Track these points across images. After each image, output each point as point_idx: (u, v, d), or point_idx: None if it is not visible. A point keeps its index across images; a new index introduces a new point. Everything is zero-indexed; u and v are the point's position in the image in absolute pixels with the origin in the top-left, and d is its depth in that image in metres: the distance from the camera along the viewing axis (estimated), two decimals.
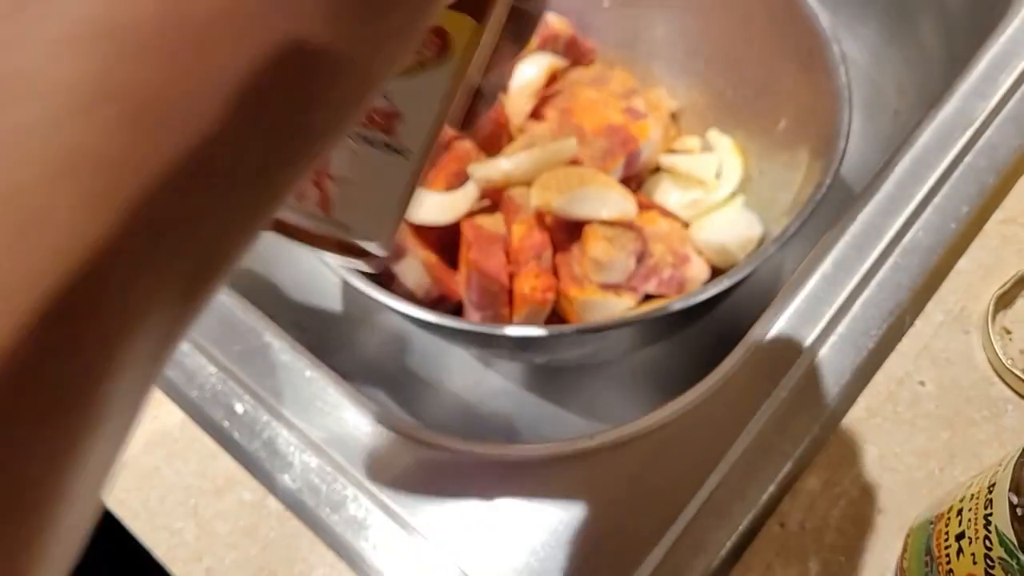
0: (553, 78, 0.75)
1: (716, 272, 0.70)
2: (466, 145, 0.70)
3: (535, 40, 0.75)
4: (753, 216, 0.69)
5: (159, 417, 0.49)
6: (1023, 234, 0.49)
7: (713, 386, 0.46)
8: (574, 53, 0.77)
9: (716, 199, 0.72)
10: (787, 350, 0.46)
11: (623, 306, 0.67)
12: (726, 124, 0.75)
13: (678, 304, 0.55)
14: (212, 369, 0.49)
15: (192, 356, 0.49)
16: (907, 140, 0.52)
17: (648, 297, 0.69)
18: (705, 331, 0.72)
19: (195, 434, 0.49)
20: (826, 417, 0.45)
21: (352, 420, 0.47)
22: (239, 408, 0.48)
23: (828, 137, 0.59)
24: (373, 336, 0.76)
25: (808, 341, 0.46)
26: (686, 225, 0.72)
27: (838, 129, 0.58)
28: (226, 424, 0.48)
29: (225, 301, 0.52)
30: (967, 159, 0.50)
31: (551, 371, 0.75)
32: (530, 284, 0.65)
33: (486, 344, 0.67)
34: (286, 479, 0.46)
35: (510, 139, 0.73)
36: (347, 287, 0.57)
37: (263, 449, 0.47)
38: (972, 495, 0.34)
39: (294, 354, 0.50)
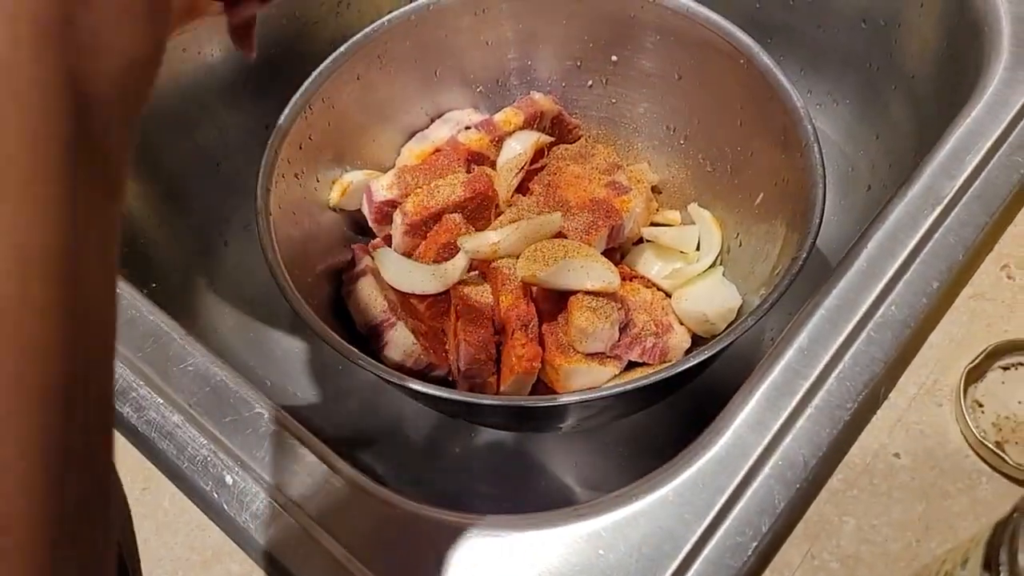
0: (539, 153, 0.78)
1: (697, 340, 0.72)
2: (455, 218, 0.72)
3: (522, 116, 0.77)
4: (732, 287, 0.71)
5: (149, 489, 0.50)
6: (991, 309, 0.51)
7: (689, 460, 0.47)
8: (559, 129, 0.80)
9: (697, 270, 0.74)
10: (764, 423, 0.47)
11: (607, 374, 0.69)
12: (706, 197, 0.78)
13: (660, 375, 0.56)
14: (203, 440, 0.50)
15: (183, 428, 0.50)
16: (879, 216, 0.55)
17: (631, 364, 0.70)
18: (687, 397, 0.73)
19: (184, 506, 0.49)
20: (804, 489, 0.46)
21: (341, 492, 0.48)
22: (229, 479, 0.49)
23: (804, 212, 0.61)
24: (363, 403, 0.77)
25: (785, 413, 0.47)
26: (668, 295, 0.74)
27: (812, 205, 0.60)
28: (216, 496, 0.48)
29: (217, 372, 0.53)
30: (936, 236, 0.52)
31: (537, 435, 0.76)
32: (516, 353, 0.66)
33: (473, 413, 0.68)
34: None
35: (498, 212, 0.75)
36: (338, 355, 0.58)
37: (252, 521, 0.47)
38: (946, 572, 0.35)
39: (283, 425, 0.51)
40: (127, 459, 0.51)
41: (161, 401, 0.51)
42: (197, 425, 0.50)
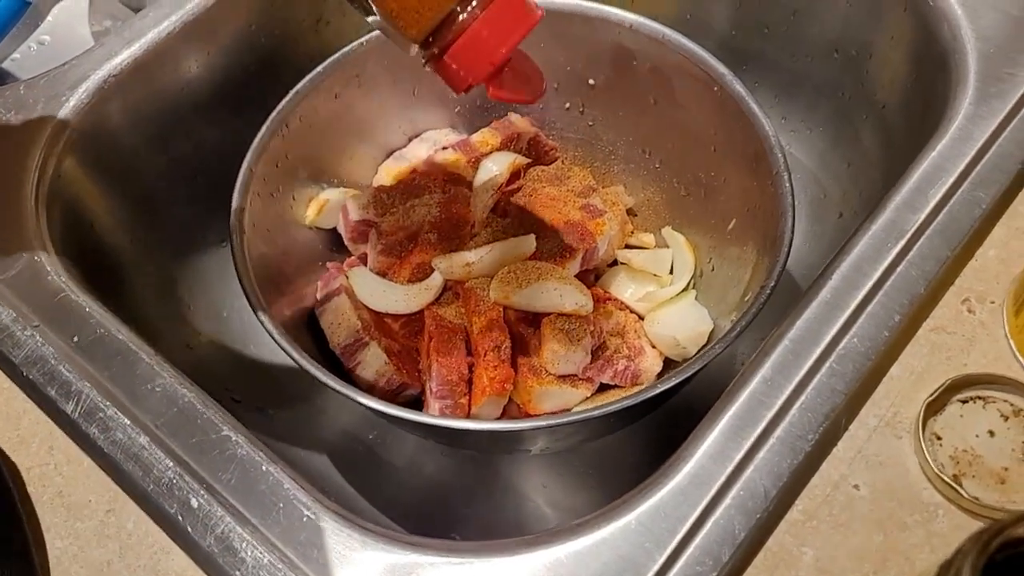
0: (515, 175, 0.78)
1: (669, 363, 0.72)
2: (430, 238, 0.73)
3: (499, 137, 0.78)
4: (704, 311, 0.71)
5: (114, 511, 0.50)
6: (951, 342, 0.52)
7: (652, 489, 0.47)
8: (536, 151, 0.80)
9: (669, 293, 0.74)
10: (727, 452, 0.48)
11: (579, 397, 0.69)
12: (679, 221, 0.78)
13: (630, 401, 0.57)
14: (169, 463, 0.50)
15: (149, 450, 0.50)
16: (844, 248, 0.55)
17: (603, 386, 0.71)
18: (656, 419, 0.74)
19: (149, 528, 0.49)
20: (764, 520, 0.46)
21: (307, 516, 0.48)
22: (194, 502, 0.49)
23: (774, 239, 0.62)
24: (334, 422, 0.77)
25: (748, 443, 0.48)
26: (641, 317, 0.75)
27: (782, 233, 0.61)
28: (180, 519, 0.48)
29: (185, 393, 0.53)
30: (899, 269, 0.53)
31: (508, 457, 0.76)
32: (489, 375, 0.66)
33: (445, 435, 0.69)
34: None
35: (473, 233, 0.75)
36: (308, 376, 0.58)
37: (216, 544, 0.47)
38: None
39: (251, 448, 0.51)
40: (92, 480, 0.51)
41: (127, 422, 0.51)
42: (163, 447, 0.50)
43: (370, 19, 0.50)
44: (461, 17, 0.47)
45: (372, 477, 0.75)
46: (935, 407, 0.49)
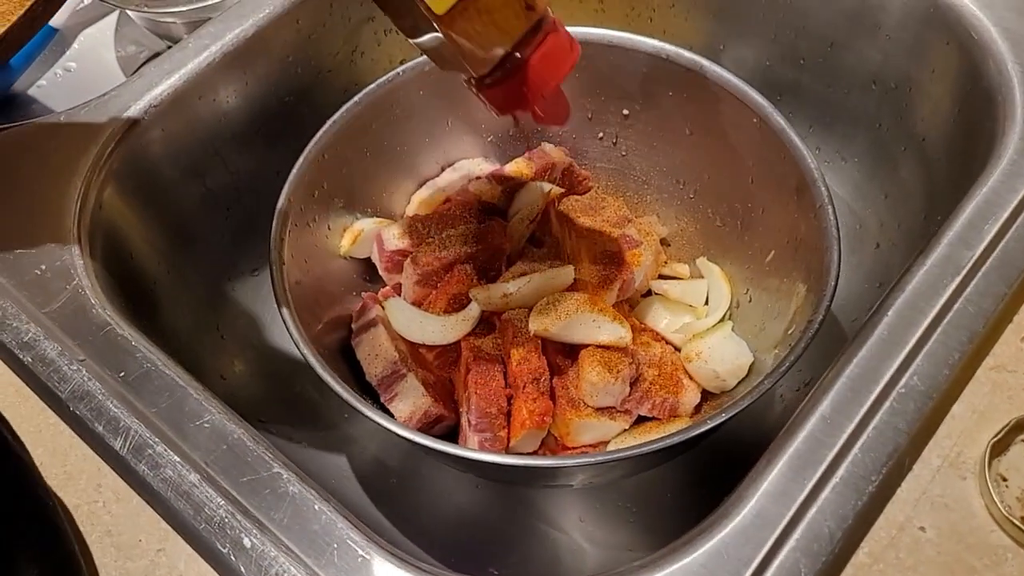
0: (550, 205, 0.78)
1: (706, 395, 0.72)
2: (467, 269, 0.72)
3: (533, 167, 0.78)
4: (743, 343, 0.71)
5: (165, 550, 0.49)
6: (1013, 381, 0.51)
7: (712, 530, 0.47)
8: (570, 181, 0.80)
9: (706, 324, 0.74)
10: (789, 493, 0.47)
11: (617, 429, 0.68)
12: (714, 252, 0.78)
13: (678, 437, 0.56)
14: (220, 501, 0.49)
15: (200, 488, 0.49)
16: (897, 284, 0.55)
17: (641, 419, 0.70)
18: (694, 453, 0.73)
19: (201, 568, 0.48)
20: (830, 562, 0.45)
21: (361, 556, 0.47)
22: (247, 542, 0.48)
23: (818, 271, 0.62)
24: (369, 453, 0.76)
25: (810, 484, 0.47)
26: (677, 349, 0.74)
27: (828, 268, 0.60)
28: (233, 559, 0.47)
29: (234, 430, 0.52)
30: (956, 306, 0.53)
31: (545, 490, 0.75)
32: (528, 408, 0.66)
33: (482, 468, 0.68)
34: None
35: (509, 264, 0.75)
36: (344, 404, 0.57)
37: None
38: None
39: (302, 486, 0.50)
40: (141, 518, 0.50)
41: (177, 459, 0.50)
42: (214, 484, 0.50)
43: (414, 42, 0.52)
44: (516, 55, 0.51)
45: (404, 508, 0.74)
46: (1000, 447, 0.48)
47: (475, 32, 0.49)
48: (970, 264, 0.54)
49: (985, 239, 0.55)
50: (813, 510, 0.47)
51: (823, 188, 0.64)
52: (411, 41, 0.53)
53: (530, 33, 0.51)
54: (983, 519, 0.47)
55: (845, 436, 0.49)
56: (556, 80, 0.54)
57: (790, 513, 0.47)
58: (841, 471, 0.48)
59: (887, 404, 0.50)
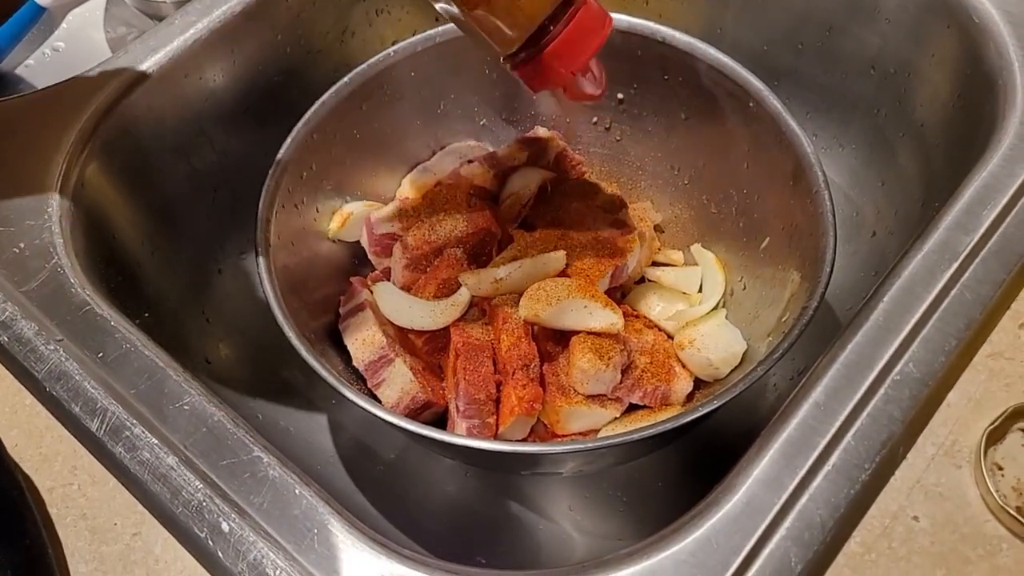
0: (542, 189, 0.77)
1: (698, 383, 0.71)
2: (457, 253, 0.71)
3: (526, 152, 0.76)
4: (736, 331, 0.70)
5: (141, 534, 0.48)
6: (1010, 369, 0.50)
7: (701, 518, 0.46)
8: (563, 165, 0.79)
9: (700, 312, 0.73)
10: (780, 480, 0.46)
11: (608, 417, 0.67)
12: (709, 239, 0.77)
13: (669, 424, 0.55)
14: (198, 484, 0.48)
15: (178, 471, 0.48)
16: (893, 270, 0.54)
17: (632, 407, 0.69)
18: (684, 441, 0.72)
19: (178, 553, 0.47)
20: (821, 552, 0.44)
21: (342, 542, 0.46)
22: (225, 527, 0.47)
23: (813, 259, 0.61)
24: (356, 439, 0.75)
25: (802, 472, 0.46)
26: (670, 336, 0.73)
27: (823, 254, 0.59)
28: (211, 544, 0.46)
29: (214, 412, 0.51)
30: (953, 293, 0.52)
31: (534, 478, 0.74)
32: (517, 395, 0.65)
33: (470, 455, 0.67)
34: None
35: (500, 249, 0.73)
36: (331, 389, 0.56)
37: (249, 571, 0.45)
38: None
39: (283, 470, 0.49)
40: (117, 501, 0.49)
41: (155, 441, 0.49)
42: (192, 467, 0.49)
43: (440, 7, 0.51)
44: (551, 28, 0.50)
45: (391, 495, 0.73)
46: (996, 436, 0.47)
47: (500, 12, 0.48)
48: (968, 250, 0.53)
49: (983, 225, 0.54)
50: (805, 498, 0.46)
51: (819, 173, 0.62)
52: (436, 6, 0.52)
53: (560, 8, 0.50)
54: (978, 509, 0.46)
55: (838, 423, 0.48)
56: (587, 55, 0.53)
57: (781, 501, 0.46)
58: (834, 459, 0.47)
59: (881, 391, 0.49)
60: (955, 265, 0.53)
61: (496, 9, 0.48)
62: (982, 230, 0.54)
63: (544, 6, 0.49)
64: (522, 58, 0.51)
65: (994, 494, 0.45)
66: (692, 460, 0.72)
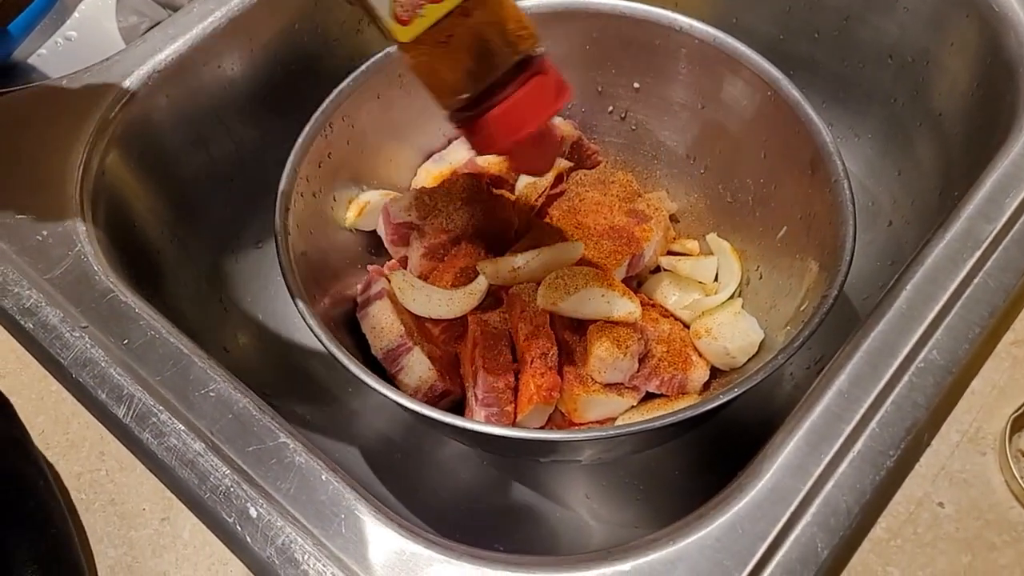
0: (558, 179, 0.77)
1: (715, 371, 0.71)
2: (474, 242, 0.71)
3: None
4: (753, 320, 0.70)
5: (169, 519, 0.48)
6: None
7: (727, 505, 0.46)
8: (579, 155, 0.79)
9: (716, 301, 0.73)
10: (805, 467, 0.46)
11: (625, 405, 0.68)
12: (725, 228, 0.77)
13: (688, 413, 0.55)
14: (226, 470, 0.48)
15: (205, 457, 0.48)
16: (915, 259, 0.54)
17: (649, 395, 0.69)
18: (701, 430, 0.72)
19: (206, 539, 0.47)
20: (847, 538, 0.45)
21: (369, 527, 0.47)
22: (253, 512, 0.47)
23: (831, 248, 0.61)
24: (373, 426, 0.75)
25: (827, 458, 0.47)
26: (686, 325, 0.73)
27: (843, 243, 0.59)
28: (239, 529, 0.47)
29: (239, 399, 0.51)
30: (976, 280, 0.52)
31: (551, 466, 0.75)
32: (536, 383, 0.65)
33: (489, 443, 0.67)
34: None
35: (517, 238, 0.73)
36: (348, 377, 0.56)
37: (277, 556, 0.46)
38: None
39: (309, 456, 0.49)
40: (145, 487, 0.49)
41: (182, 427, 0.49)
42: (219, 453, 0.49)
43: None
44: (496, 92, 0.48)
45: (409, 483, 0.73)
46: (1020, 423, 0.48)
47: (443, 67, 0.46)
48: (991, 238, 0.53)
49: (1006, 212, 0.54)
50: (830, 485, 0.46)
51: (839, 162, 0.62)
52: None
53: (512, 71, 0.47)
54: (1003, 495, 0.46)
55: (863, 410, 0.48)
56: (531, 127, 0.49)
57: (806, 488, 0.46)
58: (859, 445, 0.47)
59: (906, 378, 0.49)
60: (978, 253, 0.53)
61: (440, 64, 0.46)
62: (1004, 218, 0.54)
63: (493, 68, 0.46)
64: (462, 117, 0.49)
65: (1019, 480, 0.45)
66: (708, 449, 0.72)
